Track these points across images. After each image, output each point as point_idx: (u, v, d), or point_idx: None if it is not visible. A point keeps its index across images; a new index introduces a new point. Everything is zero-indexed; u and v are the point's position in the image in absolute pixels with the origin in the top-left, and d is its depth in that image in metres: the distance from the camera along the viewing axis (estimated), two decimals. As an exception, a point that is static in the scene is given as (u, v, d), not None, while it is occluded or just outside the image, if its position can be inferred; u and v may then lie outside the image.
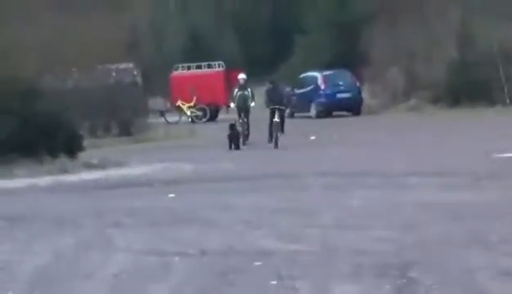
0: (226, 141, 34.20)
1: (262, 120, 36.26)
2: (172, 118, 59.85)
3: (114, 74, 48.66)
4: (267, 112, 36.57)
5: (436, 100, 54.80)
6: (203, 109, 59.44)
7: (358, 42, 60.14)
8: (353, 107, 57.02)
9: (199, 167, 31.19)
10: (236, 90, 36.32)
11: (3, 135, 29.67)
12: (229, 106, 36.32)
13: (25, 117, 30.67)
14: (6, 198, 25.10)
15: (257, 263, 13.53)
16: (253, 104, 36.56)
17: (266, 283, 12.17)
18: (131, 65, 52.85)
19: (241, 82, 35.72)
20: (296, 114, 57.39)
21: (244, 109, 35.14)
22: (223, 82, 49.48)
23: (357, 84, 57.97)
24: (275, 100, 35.02)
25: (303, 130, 44.93)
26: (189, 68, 63.04)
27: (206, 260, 14.22)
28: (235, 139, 34.03)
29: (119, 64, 50.18)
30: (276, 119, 34.11)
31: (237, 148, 33.72)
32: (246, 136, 34.48)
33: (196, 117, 59.53)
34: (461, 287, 11.53)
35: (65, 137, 32.95)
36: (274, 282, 12.13)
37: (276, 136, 33.91)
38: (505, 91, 49.55)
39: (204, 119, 58.56)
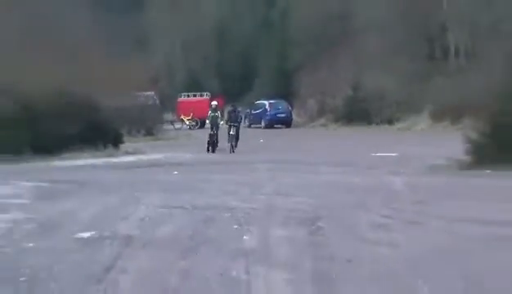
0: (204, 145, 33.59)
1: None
2: (177, 125, 59.78)
3: (142, 98, 48.54)
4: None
5: (337, 120, 54.74)
6: (196, 121, 59.47)
7: (291, 83, 59.97)
8: (286, 122, 57.35)
9: (192, 156, 31.19)
10: (210, 112, 35.17)
11: (75, 131, 29.66)
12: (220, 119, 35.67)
13: (89, 121, 30.66)
14: (77, 171, 25.00)
15: (226, 214, 13.62)
16: (222, 122, 35.28)
17: (231, 227, 12.28)
18: (152, 93, 52.83)
19: (213, 106, 34.99)
20: (252, 126, 57.58)
21: (215, 125, 33.93)
22: (208, 105, 49.03)
23: (289, 108, 58.31)
24: (232, 119, 34.15)
25: (256, 135, 44.80)
26: (188, 95, 63.20)
27: (195, 212, 14.30)
28: (213, 144, 33.36)
29: (145, 92, 50.13)
30: (232, 132, 33.36)
31: (213, 151, 33.07)
32: (216, 144, 33.40)
33: (192, 125, 59.59)
34: (350, 232, 11.69)
35: (113, 135, 33.13)
36: (236, 226, 12.25)
37: (232, 144, 33.26)
38: (379, 116, 49.72)
39: (196, 127, 58.48)
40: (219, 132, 33.81)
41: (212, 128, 33.81)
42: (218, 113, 35.18)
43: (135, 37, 59.38)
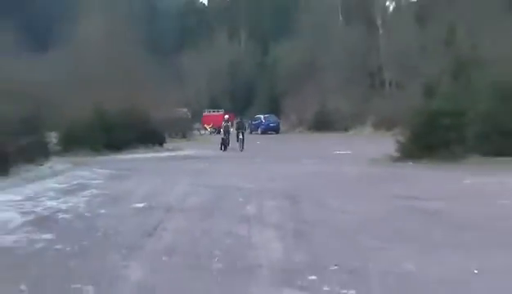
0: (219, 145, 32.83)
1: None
2: (202, 132, 59.50)
3: (179, 113, 48.49)
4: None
5: (309, 128, 54.57)
6: (215, 128, 59.20)
7: (279, 103, 60.00)
8: (276, 130, 56.80)
9: (212, 152, 30.96)
10: (223, 122, 34.57)
11: (134, 136, 29.78)
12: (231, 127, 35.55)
13: (143, 129, 30.77)
14: (135, 162, 24.72)
15: (235, 191, 13.61)
16: (232, 129, 34.75)
17: (238, 199, 12.27)
18: (186, 110, 52.76)
19: (226, 118, 34.70)
20: (253, 132, 57.19)
21: (227, 132, 33.19)
22: (222, 117, 48.48)
23: (278, 120, 58.05)
24: (240, 127, 33.25)
25: (255, 139, 44.74)
26: (209, 111, 63.07)
27: (214, 189, 14.28)
28: (224, 145, 32.49)
29: (181, 109, 50.13)
30: (240, 137, 32.31)
31: (225, 150, 32.03)
32: (227, 144, 32.48)
33: (212, 132, 59.27)
34: (318, 204, 11.70)
35: (159, 137, 33.19)
36: (241, 200, 12.23)
37: (241, 146, 32.11)
38: (338, 125, 49.69)
39: (215, 133, 58.01)
40: (230, 137, 33.40)
41: (224, 134, 33.26)
42: (229, 124, 35.00)
43: (176, 72, 59.64)
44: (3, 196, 13.31)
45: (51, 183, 16.16)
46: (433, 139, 19.28)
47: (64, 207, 11.75)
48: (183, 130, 47.40)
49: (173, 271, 6.80)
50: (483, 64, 20.69)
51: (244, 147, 32.30)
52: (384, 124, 42.11)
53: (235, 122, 36.39)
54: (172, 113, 44.12)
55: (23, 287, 6.24)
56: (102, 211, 11.20)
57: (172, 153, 30.13)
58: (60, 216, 10.72)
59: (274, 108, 60.49)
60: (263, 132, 56.15)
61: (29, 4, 67.21)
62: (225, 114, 41.84)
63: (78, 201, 12.57)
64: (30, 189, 14.74)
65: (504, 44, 22.47)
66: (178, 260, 7.26)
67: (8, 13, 42.16)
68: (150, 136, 32.01)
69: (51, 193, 13.81)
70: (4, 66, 22.70)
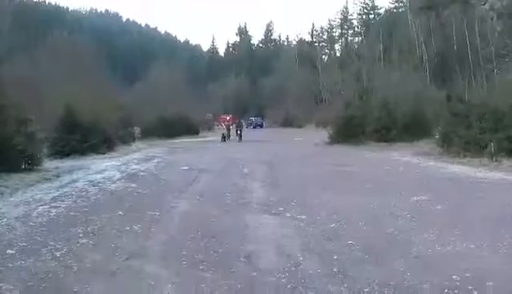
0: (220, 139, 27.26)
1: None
2: (219, 127, 57.33)
3: (207, 116, 47.71)
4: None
5: (280, 125, 53.07)
6: (225, 126, 57.47)
7: (263, 111, 58.96)
8: (261, 126, 54.86)
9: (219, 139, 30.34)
10: (227, 122, 31.98)
11: (182, 129, 29.51)
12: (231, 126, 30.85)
13: (187, 125, 30.68)
14: (181, 143, 23.83)
15: (237, 160, 13.47)
16: (232, 127, 29.60)
17: (239, 165, 12.18)
18: (211, 114, 51.89)
19: (227, 118, 33.71)
20: (248, 128, 56.07)
21: (228, 129, 28.54)
22: (229, 119, 46.49)
23: (263, 120, 56.58)
24: (238, 126, 28.94)
25: (249, 130, 44.23)
26: (223, 114, 61.21)
27: (224, 159, 14.15)
28: (224, 138, 26.43)
29: (208, 114, 49.44)
30: (239, 132, 27.49)
31: (224, 141, 25.72)
32: (228, 138, 26.75)
33: (224, 127, 57.54)
34: (283, 167, 11.63)
35: (195, 130, 32.67)
36: (241, 165, 12.14)
37: (239, 138, 26.59)
38: (297, 124, 49.11)
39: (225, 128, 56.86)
40: (230, 132, 28.95)
41: (227, 130, 28.71)
42: (230, 123, 32.15)
43: (205, 94, 58.95)
44: (111, 162, 13.16)
45: (135, 155, 15.99)
46: (348, 131, 19.32)
47: (142, 168, 11.66)
48: (209, 125, 46.43)
49: (202, 204, 6.82)
50: (375, 91, 20.77)
51: (242, 138, 29.85)
52: (322, 123, 41.50)
53: (236, 122, 32.39)
54: (203, 116, 43.56)
55: (120, 212, 6.25)
56: (164, 171, 11.14)
57: (203, 139, 29.61)
58: (140, 173, 10.63)
59: (260, 113, 59.52)
60: (254, 127, 55.11)
61: (124, 56, 67.16)
62: (229, 116, 41.09)
63: (150, 165, 12.48)
64: (124, 158, 14.62)
65: (386, 81, 22.57)
66: (205, 198, 7.27)
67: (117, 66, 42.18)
68: (191, 129, 31.39)
69: (135, 161, 13.66)
70: (112, 93, 23.48)
